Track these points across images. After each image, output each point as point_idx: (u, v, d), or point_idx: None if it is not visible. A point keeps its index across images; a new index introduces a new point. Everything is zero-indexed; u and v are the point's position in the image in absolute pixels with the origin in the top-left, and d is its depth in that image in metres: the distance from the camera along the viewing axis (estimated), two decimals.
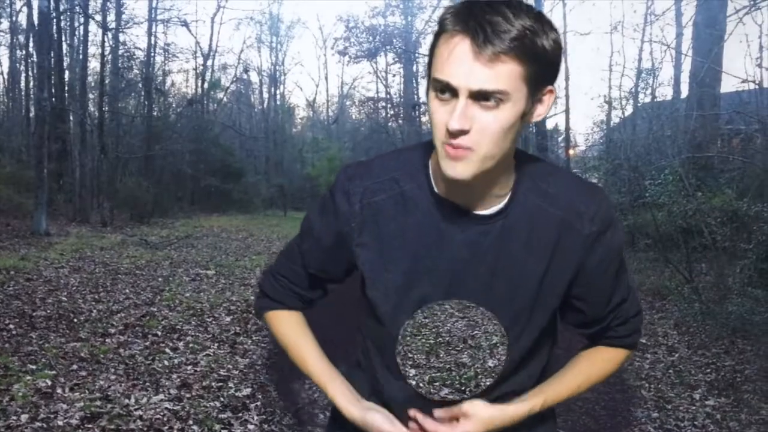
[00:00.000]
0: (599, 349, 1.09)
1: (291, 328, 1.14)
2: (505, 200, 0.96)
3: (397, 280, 0.98)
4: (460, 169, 0.86)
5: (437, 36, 0.86)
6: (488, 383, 1.01)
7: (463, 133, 0.83)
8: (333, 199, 1.02)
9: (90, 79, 18.44)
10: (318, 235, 1.06)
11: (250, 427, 3.02)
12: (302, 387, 3.50)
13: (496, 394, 1.02)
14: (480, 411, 0.98)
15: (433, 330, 1.02)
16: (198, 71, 25.58)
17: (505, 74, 0.81)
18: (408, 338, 1.00)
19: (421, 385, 1.03)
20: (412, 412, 1.00)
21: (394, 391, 1.05)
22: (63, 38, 16.68)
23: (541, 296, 0.97)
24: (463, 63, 0.81)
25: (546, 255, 0.96)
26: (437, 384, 1.08)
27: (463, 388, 1.04)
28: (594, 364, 1.08)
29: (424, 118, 26.26)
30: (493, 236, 0.95)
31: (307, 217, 1.09)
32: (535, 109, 0.88)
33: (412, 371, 1.04)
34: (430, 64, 0.87)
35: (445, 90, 0.84)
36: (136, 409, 3.09)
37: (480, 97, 0.82)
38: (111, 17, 17.73)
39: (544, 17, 0.84)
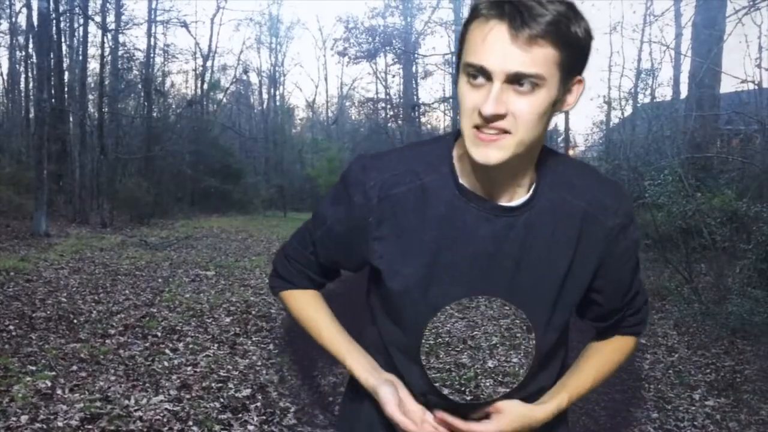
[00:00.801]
0: (609, 340, 1.10)
1: (307, 303, 1.14)
2: (530, 192, 0.95)
3: (418, 274, 0.96)
4: (491, 154, 0.85)
5: (469, 22, 0.85)
6: (517, 383, 0.99)
7: (497, 118, 0.83)
8: (347, 190, 1.00)
9: (90, 80, 18.44)
10: (330, 225, 1.05)
11: (250, 428, 3.02)
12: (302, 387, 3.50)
13: (521, 395, 1.01)
14: (514, 408, 0.98)
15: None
16: (197, 72, 25.60)
17: (541, 58, 0.81)
18: (433, 334, 0.98)
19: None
20: (439, 414, 0.98)
21: (418, 385, 1.03)
22: (63, 39, 16.68)
23: (565, 290, 0.97)
24: (499, 46, 0.81)
25: (570, 247, 0.96)
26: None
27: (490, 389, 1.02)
28: (607, 355, 1.10)
29: (423, 119, 26.27)
30: (519, 228, 0.94)
31: (320, 207, 1.08)
32: (565, 98, 0.89)
33: (437, 368, 1.01)
34: (460, 51, 0.87)
35: (479, 74, 0.83)
36: (135, 410, 3.09)
37: (515, 81, 0.82)
38: (110, 18, 17.76)
39: (575, 6, 0.84)
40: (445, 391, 1.00)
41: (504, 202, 0.94)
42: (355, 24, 25.25)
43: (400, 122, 26.61)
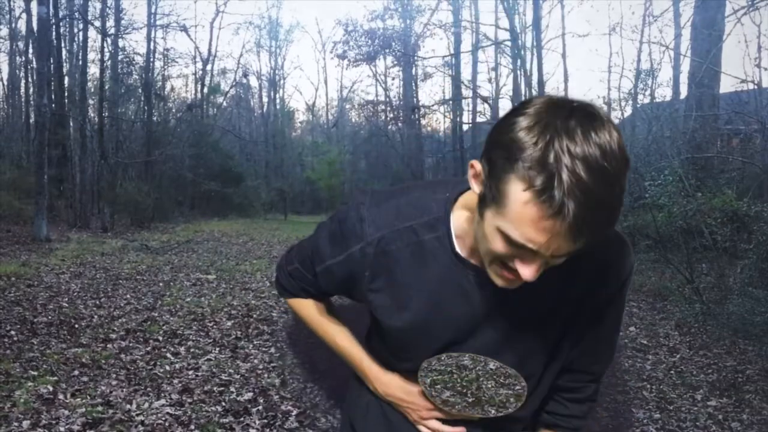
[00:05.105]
0: None
1: (315, 310, 1.19)
2: None
3: (413, 327, 0.99)
4: (515, 285, 0.86)
5: (519, 179, 0.73)
6: (504, 414, 1.03)
7: None
8: (344, 238, 1.00)
9: (90, 84, 18.44)
10: (329, 266, 1.05)
11: (252, 431, 3.02)
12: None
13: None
14: None
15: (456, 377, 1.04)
16: (197, 76, 25.68)
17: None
18: (432, 376, 1.03)
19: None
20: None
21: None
22: (62, 44, 16.72)
23: (562, 346, 1.01)
24: (555, 240, 0.75)
25: (570, 306, 0.97)
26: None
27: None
28: None
29: (423, 121, 26.27)
30: (517, 294, 0.90)
31: (319, 240, 1.06)
32: None
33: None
34: (496, 198, 0.77)
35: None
36: (137, 415, 3.09)
37: None
38: (110, 23, 17.80)
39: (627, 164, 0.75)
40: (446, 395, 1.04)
41: None
42: (355, 27, 25.25)
43: (400, 124, 26.64)
